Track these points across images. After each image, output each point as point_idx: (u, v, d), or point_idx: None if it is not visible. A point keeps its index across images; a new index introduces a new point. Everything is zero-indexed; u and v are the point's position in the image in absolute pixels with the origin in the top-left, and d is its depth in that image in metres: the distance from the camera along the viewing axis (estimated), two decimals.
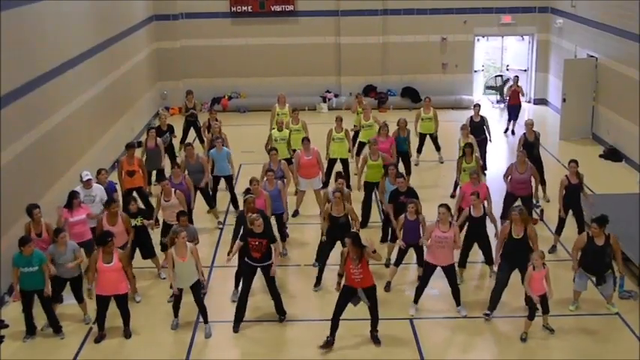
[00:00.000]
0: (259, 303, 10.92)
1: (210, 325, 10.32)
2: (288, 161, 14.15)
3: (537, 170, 13.65)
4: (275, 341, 10.25)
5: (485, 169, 15.64)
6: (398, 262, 11.38)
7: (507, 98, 19.99)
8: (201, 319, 10.44)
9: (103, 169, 12.72)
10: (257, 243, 10.13)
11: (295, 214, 14.01)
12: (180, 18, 22.13)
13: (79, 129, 14.85)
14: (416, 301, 10.73)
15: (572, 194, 12.22)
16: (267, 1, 21.91)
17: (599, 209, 11.27)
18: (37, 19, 12.91)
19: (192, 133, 17.87)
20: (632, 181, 15.53)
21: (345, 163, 15.16)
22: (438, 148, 17.13)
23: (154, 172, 15.04)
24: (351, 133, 15.92)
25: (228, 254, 10.74)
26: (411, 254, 11.49)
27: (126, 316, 10.21)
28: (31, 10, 12.65)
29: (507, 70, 23.30)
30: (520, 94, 19.33)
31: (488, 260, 11.47)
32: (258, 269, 10.36)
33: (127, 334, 10.22)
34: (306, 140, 13.90)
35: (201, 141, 17.21)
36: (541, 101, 22.38)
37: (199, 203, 13.54)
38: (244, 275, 10.51)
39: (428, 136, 16.98)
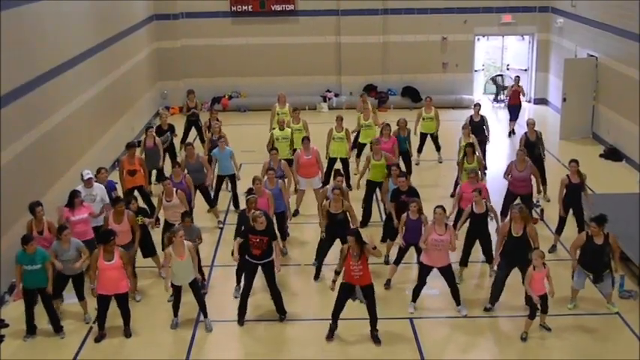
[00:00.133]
0: (260, 301, 10.93)
1: (210, 320, 10.40)
2: (289, 162, 14.15)
3: (538, 170, 13.65)
4: (276, 340, 10.26)
5: (486, 168, 15.64)
6: (398, 261, 11.41)
7: (508, 98, 19.97)
8: (202, 318, 10.46)
9: (102, 167, 12.74)
10: (258, 240, 10.15)
11: (295, 213, 14.02)
12: (180, 17, 22.14)
13: (79, 129, 14.86)
14: (414, 300, 10.75)
15: (573, 194, 12.22)
16: (267, 1, 21.90)
17: (599, 209, 11.28)
18: (37, 19, 12.91)
19: (192, 132, 17.87)
20: (633, 181, 15.52)
21: (345, 162, 15.17)
22: (438, 148, 17.13)
23: (154, 172, 15.05)
24: (353, 135, 15.93)
25: (233, 254, 10.78)
26: (412, 254, 11.49)
27: (126, 315, 10.22)
28: (31, 9, 12.65)
29: (508, 69, 23.31)
30: (521, 94, 19.33)
31: (489, 258, 11.48)
32: (259, 267, 10.39)
33: (127, 334, 10.22)
34: (306, 140, 13.91)
35: (202, 140, 17.21)
36: (541, 101, 22.38)
37: (199, 202, 13.55)
38: (245, 273, 10.55)
39: (429, 135, 17.00)
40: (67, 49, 14.39)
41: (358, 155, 16.24)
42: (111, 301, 10.06)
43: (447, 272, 10.51)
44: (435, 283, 10.89)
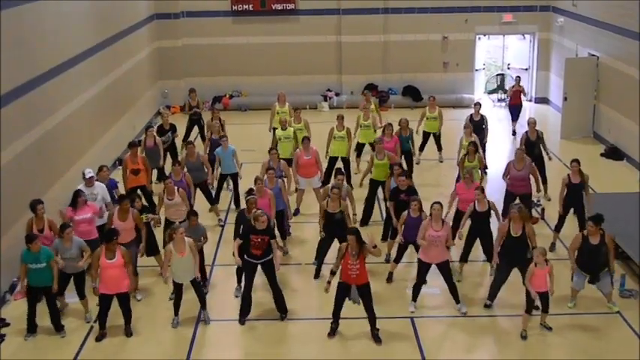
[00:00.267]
0: (260, 300, 10.94)
1: (209, 315, 10.49)
2: (290, 161, 14.17)
3: (538, 169, 13.64)
4: (276, 338, 10.27)
5: (487, 168, 15.64)
6: (397, 259, 11.44)
7: (509, 98, 19.95)
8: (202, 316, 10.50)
9: (104, 166, 12.76)
10: (259, 240, 10.18)
11: (296, 212, 14.03)
12: (181, 17, 22.15)
13: (80, 128, 14.86)
14: (414, 299, 10.75)
15: (574, 193, 12.23)
16: (268, 0, 21.90)
17: (600, 208, 11.27)
18: (37, 18, 12.91)
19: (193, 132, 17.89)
20: (633, 180, 15.53)
21: (345, 161, 15.17)
22: (439, 148, 17.13)
23: (154, 171, 15.05)
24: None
25: (234, 255, 10.81)
26: (413, 252, 11.48)
27: (127, 314, 10.23)
28: (32, 9, 12.66)
29: (509, 68, 23.30)
30: (522, 94, 19.31)
31: (489, 257, 11.47)
32: (259, 266, 10.40)
33: (128, 333, 10.23)
34: (306, 140, 13.93)
35: (204, 139, 17.22)
36: (542, 100, 22.37)
37: (199, 201, 13.56)
38: (245, 273, 10.55)
39: (431, 135, 17.00)
40: (68, 48, 14.39)
41: (358, 155, 16.24)
42: (112, 300, 10.07)
43: (444, 269, 10.54)
44: (436, 282, 10.91)
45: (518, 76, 19.91)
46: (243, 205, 12.03)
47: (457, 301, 10.71)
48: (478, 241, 11.51)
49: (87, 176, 11.86)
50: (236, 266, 11.07)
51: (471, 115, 16.20)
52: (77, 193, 11.33)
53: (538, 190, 13.64)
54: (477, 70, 23.14)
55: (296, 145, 14.81)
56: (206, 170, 13.80)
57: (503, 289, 10.67)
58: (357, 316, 10.18)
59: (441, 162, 17.02)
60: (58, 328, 10.27)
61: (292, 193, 13.88)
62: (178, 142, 16.67)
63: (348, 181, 14.63)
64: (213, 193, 14.20)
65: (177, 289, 10.34)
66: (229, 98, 22.53)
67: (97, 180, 12.10)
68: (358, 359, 9.72)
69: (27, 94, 12.27)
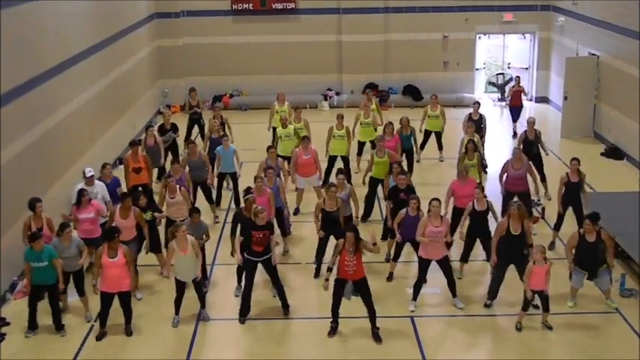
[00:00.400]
0: (260, 298, 10.95)
1: (208, 314, 10.52)
2: (290, 160, 14.17)
3: (537, 168, 13.63)
4: (277, 337, 10.28)
5: (486, 167, 15.64)
6: (396, 257, 11.47)
7: (509, 98, 19.93)
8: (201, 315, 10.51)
9: (107, 163, 12.76)
10: (261, 236, 10.20)
11: (296, 211, 14.05)
12: (181, 16, 22.15)
13: (81, 127, 14.87)
14: (415, 297, 10.76)
15: (572, 192, 12.22)
16: None
17: (601, 207, 11.27)
18: (37, 17, 12.91)
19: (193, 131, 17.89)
20: (634, 180, 15.53)
21: (345, 160, 15.18)
22: (440, 147, 17.13)
23: (155, 171, 15.04)
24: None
25: (232, 254, 10.80)
26: (412, 253, 11.48)
27: (128, 313, 10.23)
28: (32, 8, 12.66)
29: (509, 68, 23.29)
30: (522, 94, 19.30)
31: (490, 255, 11.47)
32: (259, 264, 10.42)
33: (129, 332, 10.23)
34: (306, 139, 13.94)
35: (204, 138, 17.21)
36: (542, 99, 22.37)
37: (200, 200, 13.57)
38: (246, 271, 10.55)
39: (433, 133, 17.00)
40: (68, 47, 14.40)
41: (359, 154, 16.25)
42: (113, 299, 10.08)
43: (444, 264, 10.57)
44: (436, 281, 10.91)
45: (518, 76, 19.88)
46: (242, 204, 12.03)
47: (454, 295, 10.74)
48: (478, 240, 11.51)
49: (87, 175, 11.87)
50: (236, 266, 11.10)
51: (470, 114, 16.21)
52: (81, 192, 11.34)
53: (537, 192, 13.62)
54: (477, 69, 23.14)
55: (297, 143, 14.83)
56: (207, 169, 13.80)
57: (502, 288, 10.69)
58: (357, 315, 10.20)
59: (442, 161, 17.03)
60: (59, 327, 10.27)
61: (292, 190, 13.88)
62: (179, 141, 16.66)
63: (348, 180, 14.61)
64: (214, 193, 14.19)
65: (180, 288, 10.35)
66: (229, 97, 22.53)
67: (100, 178, 12.10)
68: (358, 358, 9.73)
69: (27, 93, 12.28)
